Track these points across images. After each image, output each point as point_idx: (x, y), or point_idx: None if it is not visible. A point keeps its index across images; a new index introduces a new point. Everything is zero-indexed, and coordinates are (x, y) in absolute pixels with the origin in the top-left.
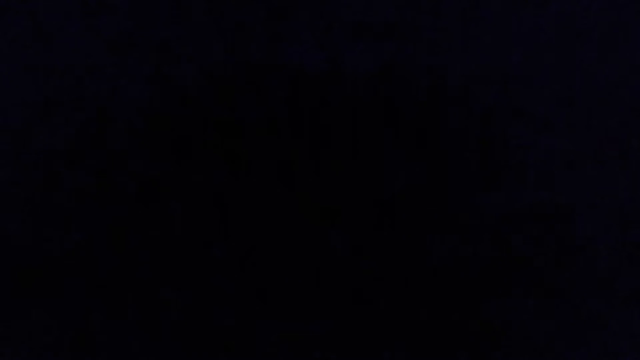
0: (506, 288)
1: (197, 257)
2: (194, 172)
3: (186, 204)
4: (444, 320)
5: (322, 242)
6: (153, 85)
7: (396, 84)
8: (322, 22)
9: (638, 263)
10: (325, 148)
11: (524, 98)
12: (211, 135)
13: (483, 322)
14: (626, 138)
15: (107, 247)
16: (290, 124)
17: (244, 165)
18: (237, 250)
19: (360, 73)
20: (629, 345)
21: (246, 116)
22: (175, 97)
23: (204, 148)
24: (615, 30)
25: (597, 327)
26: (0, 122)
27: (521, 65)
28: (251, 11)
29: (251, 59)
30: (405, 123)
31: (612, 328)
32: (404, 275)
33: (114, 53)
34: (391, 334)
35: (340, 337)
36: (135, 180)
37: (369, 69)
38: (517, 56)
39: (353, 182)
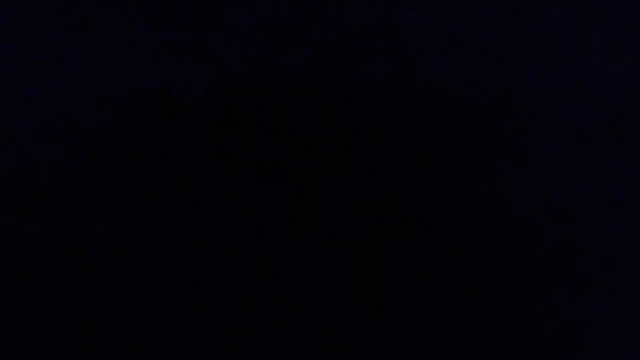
0: (503, 287)
1: (203, 255)
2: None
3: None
4: (443, 319)
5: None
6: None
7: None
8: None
9: (637, 261)
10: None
11: (523, 100)
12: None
13: (480, 321)
14: (620, 137)
15: (108, 247)
16: (304, 126)
17: (246, 164)
18: (240, 249)
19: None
20: (629, 345)
21: (254, 118)
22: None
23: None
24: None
25: (597, 327)
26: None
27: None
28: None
29: (255, 64)
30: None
31: (612, 328)
32: (405, 276)
33: (133, 52)
34: (396, 333)
35: (347, 335)
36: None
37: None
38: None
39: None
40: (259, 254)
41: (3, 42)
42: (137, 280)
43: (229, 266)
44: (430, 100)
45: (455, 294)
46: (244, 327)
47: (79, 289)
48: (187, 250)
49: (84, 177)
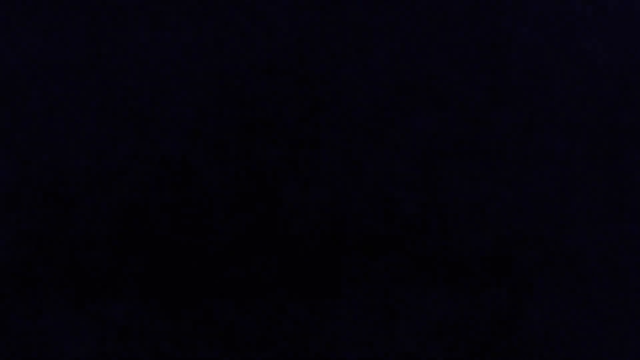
0: (501, 287)
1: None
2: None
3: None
4: (443, 318)
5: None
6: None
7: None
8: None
9: (637, 262)
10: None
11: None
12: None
13: (478, 320)
14: (620, 136)
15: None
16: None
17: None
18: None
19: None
20: (629, 345)
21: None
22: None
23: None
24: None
25: (596, 327)
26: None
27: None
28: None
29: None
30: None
31: (612, 328)
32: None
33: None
34: None
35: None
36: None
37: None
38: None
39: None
40: (260, 254)
41: (3, 42)
42: (136, 280)
43: (229, 267)
44: (428, 99)
45: (454, 293)
46: (246, 329)
47: (77, 288)
48: (187, 250)
49: (84, 177)
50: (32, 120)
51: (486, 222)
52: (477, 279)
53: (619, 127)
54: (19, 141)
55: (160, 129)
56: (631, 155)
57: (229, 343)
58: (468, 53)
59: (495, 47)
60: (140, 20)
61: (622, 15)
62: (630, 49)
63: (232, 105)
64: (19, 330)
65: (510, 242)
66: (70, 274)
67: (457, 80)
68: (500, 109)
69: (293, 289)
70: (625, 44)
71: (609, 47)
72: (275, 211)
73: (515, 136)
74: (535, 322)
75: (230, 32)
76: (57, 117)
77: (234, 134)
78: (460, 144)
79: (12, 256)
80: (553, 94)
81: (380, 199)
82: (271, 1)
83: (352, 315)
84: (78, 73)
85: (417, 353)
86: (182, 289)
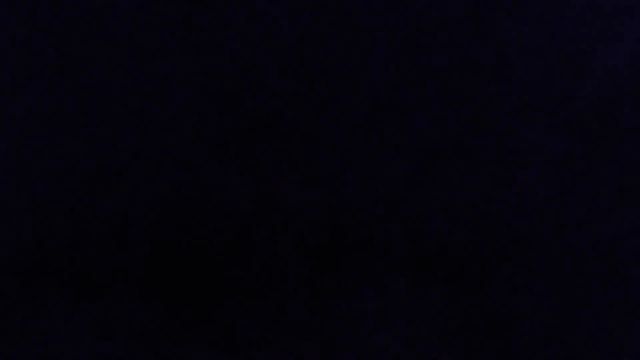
0: (500, 287)
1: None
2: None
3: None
4: (444, 318)
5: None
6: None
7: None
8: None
9: (637, 261)
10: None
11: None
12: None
13: (477, 320)
14: (619, 135)
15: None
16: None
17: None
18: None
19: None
20: (629, 345)
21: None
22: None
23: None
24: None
25: (596, 327)
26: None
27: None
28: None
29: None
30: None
31: (612, 328)
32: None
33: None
34: None
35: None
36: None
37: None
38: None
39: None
40: (260, 254)
41: (3, 41)
42: (136, 280)
43: (229, 267)
44: (428, 98)
45: (454, 293)
46: (246, 329)
47: (77, 288)
48: (187, 250)
49: (84, 177)
50: (32, 120)
51: (486, 222)
52: (477, 279)
53: (619, 127)
54: (19, 141)
55: (160, 129)
56: (631, 155)
57: (229, 343)
58: (468, 53)
59: (495, 47)
60: (140, 20)
61: (621, 15)
62: (630, 48)
63: (232, 105)
64: (19, 330)
65: (510, 242)
66: (70, 274)
67: (457, 80)
68: (500, 109)
69: (293, 289)
70: (625, 44)
71: (608, 47)
72: (276, 211)
73: (515, 136)
74: (535, 322)
75: (230, 32)
76: (57, 117)
77: (234, 134)
78: (460, 144)
79: (12, 256)
80: (553, 94)
81: (380, 199)
82: (271, 1)
83: (352, 315)
84: (78, 73)
85: (417, 353)
86: (182, 289)
